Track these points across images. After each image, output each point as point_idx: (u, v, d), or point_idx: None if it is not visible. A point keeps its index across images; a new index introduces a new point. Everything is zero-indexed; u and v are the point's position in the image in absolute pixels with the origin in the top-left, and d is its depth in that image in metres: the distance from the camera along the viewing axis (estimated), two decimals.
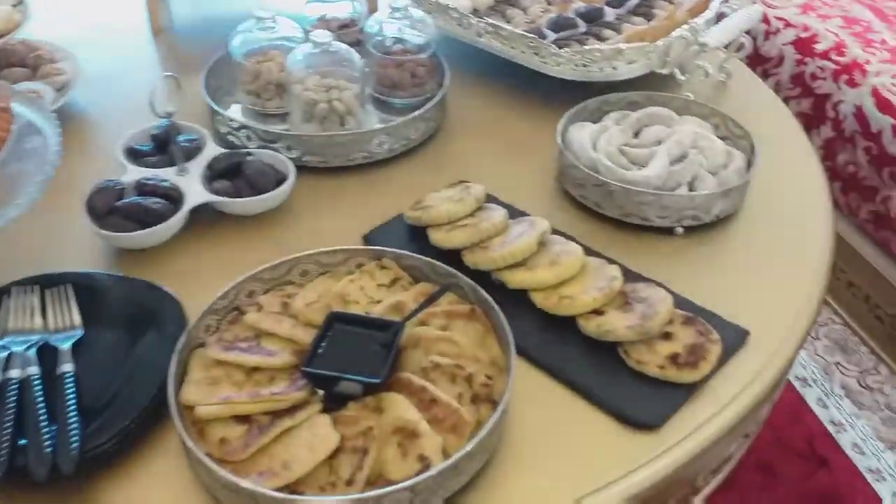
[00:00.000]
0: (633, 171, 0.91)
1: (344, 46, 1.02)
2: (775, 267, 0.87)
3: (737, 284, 0.85)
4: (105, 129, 1.09)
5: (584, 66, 1.07)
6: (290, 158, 0.98)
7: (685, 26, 1.08)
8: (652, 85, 1.11)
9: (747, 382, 0.73)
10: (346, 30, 1.16)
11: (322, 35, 0.99)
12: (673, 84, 1.10)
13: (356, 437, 0.63)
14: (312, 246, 0.82)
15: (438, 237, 0.85)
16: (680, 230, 0.90)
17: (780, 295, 0.83)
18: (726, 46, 1.14)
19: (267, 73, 1.06)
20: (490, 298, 0.73)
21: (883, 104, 1.53)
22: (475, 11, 1.24)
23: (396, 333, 0.70)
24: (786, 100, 1.76)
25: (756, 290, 0.84)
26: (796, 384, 1.56)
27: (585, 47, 1.07)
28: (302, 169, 0.99)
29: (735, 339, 0.76)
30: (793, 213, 0.95)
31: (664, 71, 1.09)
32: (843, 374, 1.60)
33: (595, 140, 0.96)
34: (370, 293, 0.77)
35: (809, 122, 1.70)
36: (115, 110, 1.13)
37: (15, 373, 0.69)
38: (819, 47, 1.70)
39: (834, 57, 1.66)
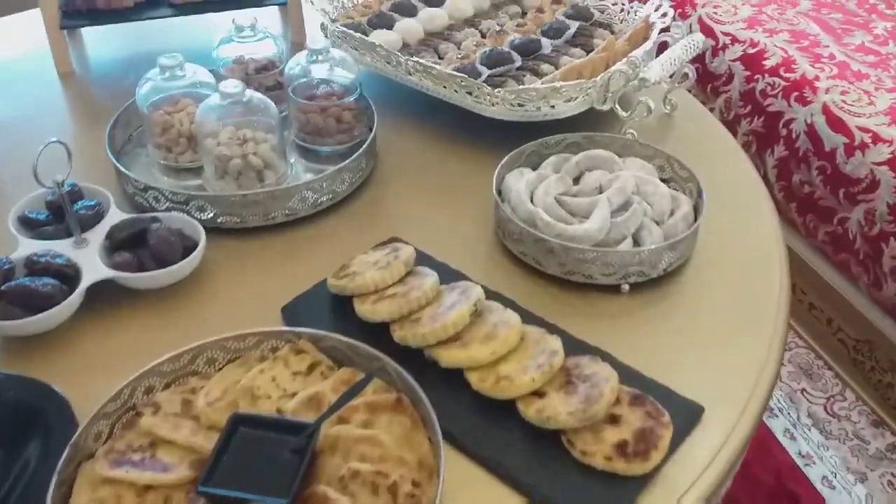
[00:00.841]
0: (574, 224, 0.84)
1: (257, 95, 0.94)
2: (729, 324, 0.81)
3: (688, 347, 0.78)
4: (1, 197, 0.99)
5: (521, 105, 1.01)
6: (203, 220, 0.90)
7: (624, 60, 1.02)
8: (593, 121, 1.05)
9: (704, 466, 0.66)
10: (265, 73, 1.07)
11: (232, 85, 0.91)
12: (615, 118, 1.04)
13: None
14: (227, 322, 0.75)
15: (364, 309, 0.77)
16: (626, 287, 0.83)
17: (736, 360, 0.76)
18: (670, 77, 1.08)
19: (178, 125, 0.97)
20: (417, 387, 0.66)
21: (834, 122, 1.49)
22: (405, 46, 1.17)
23: (310, 437, 0.62)
24: (737, 118, 1.72)
25: (710, 354, 0.77)
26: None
27: (520, 87, 1.00)
28: (217, 231, 0.90)
29: (689, 416, 0.69)
30: (745, 258, 0.89)
31: (604, 107, 1.02)
32: (809, 401, 1.55)
33: (533, 190, 0.89)
34: (284, 384, 0.68)
35: (762, 141, 1.66)
36: (10, 170, 1.03)
37: None
38: (768, 63, 1.66)
39: (783, 73, 1.62)
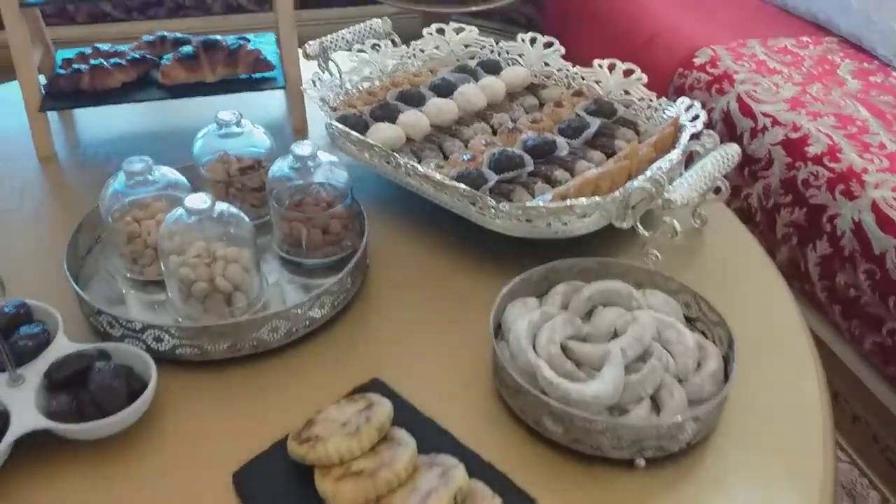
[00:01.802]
0: (581, 380, 0.72)
1: (229, 210, 0.84)
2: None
3: None
4: None
5: (529, 221, 0.89)
6: (160, 351, 0.79)
7: (648, 174, 0.90)
8: (612, 235, 0.93)
9: None
10: (251, 173, 0.97)
11: (199, 200, 0.80)
12: (635, 234, 0.92)
13: None
14: (170, 485, 0.63)
15: (326, 488, 0.65)
16: (641, 463, 0.70)
17: None
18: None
19: (144, 235, 0.87)
20: None
21: (884, 222, 1.35)
22: (409, 142, 1.06)
23: None
24: (777, 207, 1.59)
25: None
26: None
27: (528, 204, 0.88)
28: (175, 363, 0.80)
29: None
30: (783, 421, 0.76)
31: (624, 226, 0.90)
32: None
33: (536, 331, 0.77)
34: None
35: (804, 235, 1.52)
36: None
37: None
38: (811, 150, 1.53)
39: (828, 163, 1.49)
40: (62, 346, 0.78)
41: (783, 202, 1.57)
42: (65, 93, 1.13)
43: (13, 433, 0.70)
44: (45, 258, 0.94)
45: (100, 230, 0.96)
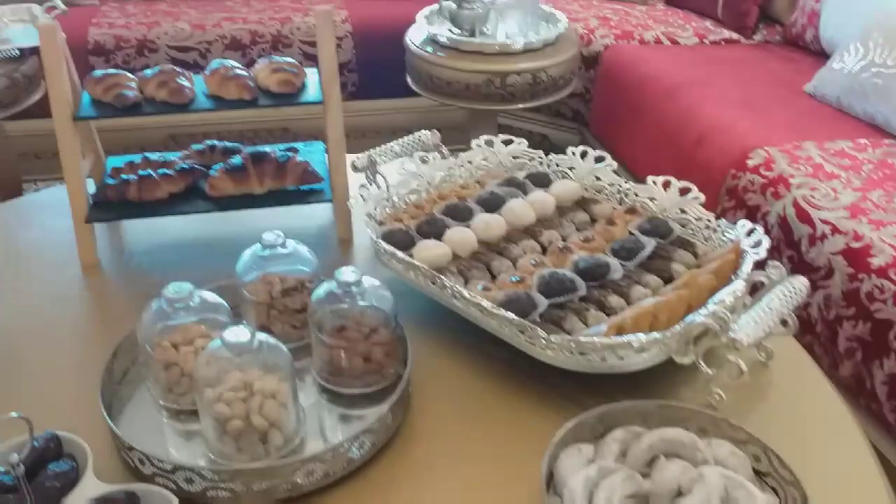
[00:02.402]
0: None
1: (270, 342, 0.80)
2: None
3: None
4: None
5: (582, 354, 0.84)
6: (192, 493, 0.75)
7: (711, 308, 0.85)
8: (671, 371, 0.87)
9: None
10: (294, 294, 0.95)
11: (237, 334, 0.77)
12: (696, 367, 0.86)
13: None
14: None
15: None
16: None
17: None
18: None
19: (182, 364, 0.84)
20: None
21: None
22: (456, 259, 1.03)
23: None
24: (839, 320, 1.50)
25: None
26: None
27: (583, 336, 0.84)
28: None
29: None
30: None
31: (685, 361, 0.85)
32: None
33: (593, 489, 0.71)
34: None
35: (869, 351, 1.43)
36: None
37: None
38: (875, 262, 1.45)
39: (894, 276, 1.41)
40: (90, 487, 0.74)
41: (846, 315, 1.49)
42: (111, 203, 1.13)
43: None
44: (80, 380, 0.91)
45: (137, 353, 0.93)
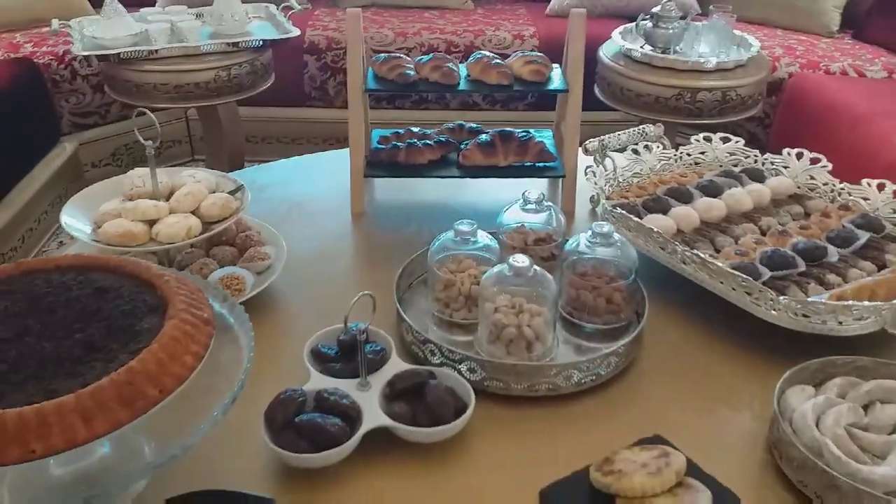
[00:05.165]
0: (868, 465, 0.77)
1: (540, 271, 0.98)
2: None
3: None
4: (295, 322, 1.10)
5: (805, 316, 0.97)
6: (471, 380, 0.93)
7: None
8: (880, 342, 0.98)
9: None
10: (543, 244, 1.12)
11: (521, 260, 0.96)
12: None
13: None
14: (485, 494, 0.76)
15: None
16: None
17: None
18: None
19: (459, 285, 1.03)
20: None
21: None
22: (679, 233, 1.17)
23: None
24: None
25: None
26: None
27: (809, 299, 0.96)
28: (482, 394, 0.93)
29: None
30: None
31: None
32: None
33: (820, 415, 0.84)
34: None
35: None
36: (307, 301, 1.14)
37: None
38: None
39: None
40: (397, 364, 0.94)
41: None
42: (383, 163, 1.35)
43: (366, 426, 0.85)
44: (373, 290, 1.12)
45: (411, 279, 1.14)
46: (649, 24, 2.32)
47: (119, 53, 2.13)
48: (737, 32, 2.43)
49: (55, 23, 2.22)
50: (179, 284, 0.79)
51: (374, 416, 0.87)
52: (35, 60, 2.44)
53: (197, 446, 0.71)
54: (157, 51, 2.17)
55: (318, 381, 0.91)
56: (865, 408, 0.87)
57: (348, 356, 0.95)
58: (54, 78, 2.48)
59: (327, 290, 1.15)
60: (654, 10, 2.28)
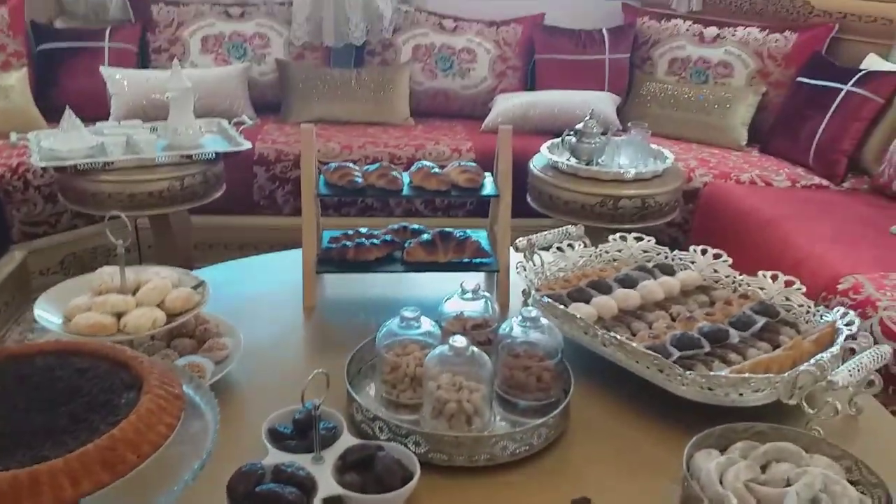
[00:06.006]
0: None
1: (478, 352, 1.10)
2: None
3: None
4: (252, 405, 1.18)
5: (710, 389, 1.10)
6: (417, 453, 1.02)
7: (812, 361, 1.10)
8: (777, 412, 1.11)
9: None
10: (479, 330, 1.24)
11: (459, 340, 1.07)
12: (799, 412, 1.10)
13: None
14: None
15: None
16: None
17: None
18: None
19: (405, 367, 1.14)
20: None
21: None
22: (600, 320, 1.31)
23: None
24: None
25: None
26: None
27: (712, 373, 1.10)
28: (427, 465, 1.02)
29: None
30: None
31: (791, 402, 1.09)
32: None
33: (722, 472, 0.95)
34: None
35: None
36: (263, 387, 1.22)
37: None
38: None
39: None
40: (348, 440, 1.03)
41: None
42: (333, 260, 1.47)
43: (321, 495, 0.93)
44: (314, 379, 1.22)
45: (360, 365, 1.23)
46: (574, 139, 2.55)
47: (76, 165, 2.23)
48: (653, 146, 2.68)
49: (14, 135, 2.32)
50: (152, 365, 0.88)
51: (327, 485, 0.95)
52: None
53: None
54: (112, 162, 2.26)
55: (275, 457, 0.99)
56: (764, 467, 0.99)
57: (303, 434, 1.03)
58: (7, 189, 2.55)
59: (282, 377, 1.24)
60: (578, 126, 2.52)
